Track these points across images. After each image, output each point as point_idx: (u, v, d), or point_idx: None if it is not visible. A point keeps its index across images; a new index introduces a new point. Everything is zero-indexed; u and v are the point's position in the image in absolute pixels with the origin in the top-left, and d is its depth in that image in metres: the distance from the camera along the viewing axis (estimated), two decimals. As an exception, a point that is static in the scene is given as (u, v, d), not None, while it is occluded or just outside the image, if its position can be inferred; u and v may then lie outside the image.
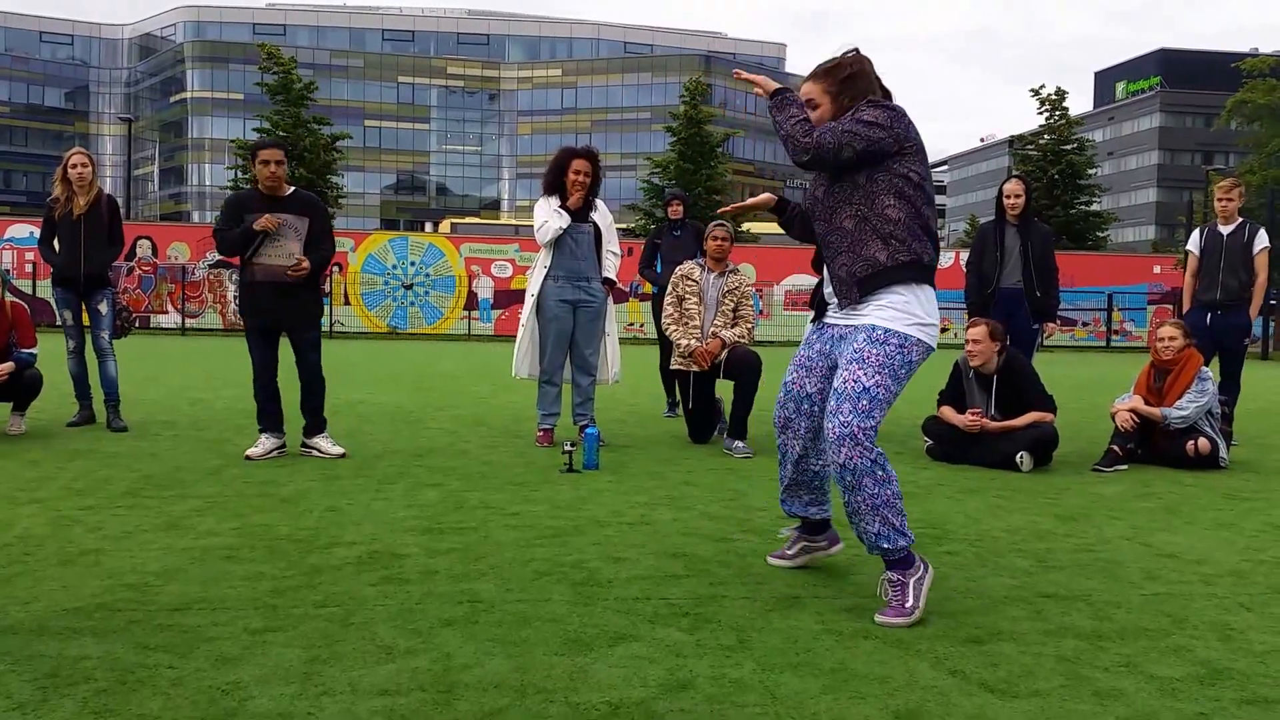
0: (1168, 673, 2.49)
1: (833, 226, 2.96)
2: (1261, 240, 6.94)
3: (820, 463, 3.21)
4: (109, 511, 4.06)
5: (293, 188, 5.62)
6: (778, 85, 2.98)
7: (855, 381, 2.80)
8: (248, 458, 5.40)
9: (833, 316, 3.06)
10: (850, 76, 2.93)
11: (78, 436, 6.20)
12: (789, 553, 3.39)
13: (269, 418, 5.57)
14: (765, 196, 3.37)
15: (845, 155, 2.82)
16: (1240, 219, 7.06)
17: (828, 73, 2.96)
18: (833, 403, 2.83)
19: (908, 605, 2.81)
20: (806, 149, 2.84)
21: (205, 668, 2.38)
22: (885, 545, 2.85)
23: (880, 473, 2.81)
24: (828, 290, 3.08)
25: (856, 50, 2.97)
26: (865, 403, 2.79)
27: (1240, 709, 2.28)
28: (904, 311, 2.87)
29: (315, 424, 5.67)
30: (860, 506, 2.83)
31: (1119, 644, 2.70)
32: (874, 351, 2.83)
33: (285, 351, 5.66)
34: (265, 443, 5.53)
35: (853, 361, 2.84)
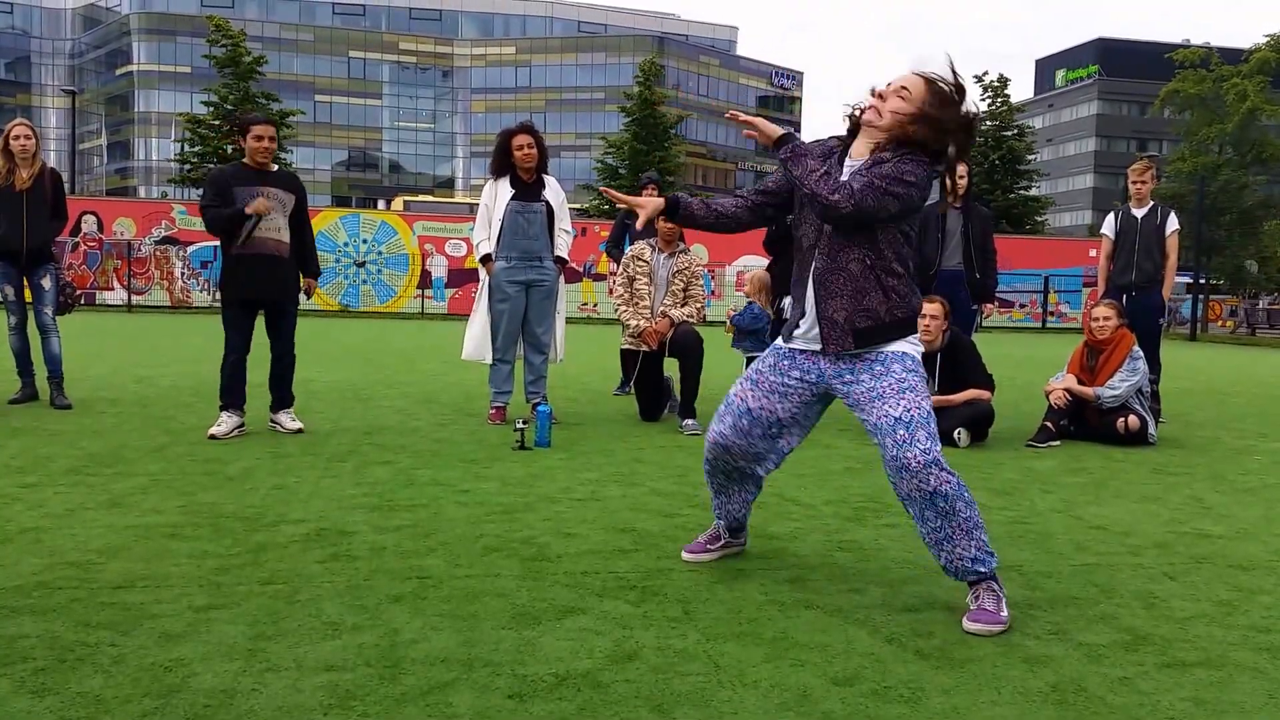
0: (1094, 639, 2.59)
1: (836, 265, 2.83)
2: (1172, 223, 7.07)
3: (766, 469, 3.11)
4: (51, 489, 4.00)
5: (276, 165, 5.64)
6: (780, 131, 2.87)
7: (918, 409, 2.73)
8: (212, 436, 5.33)
9: (809, 346, 2.93)
10: (947, 103, 2.77)
11: (19, 414, 6.08)
12: (710, 548, 3.29)
13: (235, 395, 5.50)
14: (658, 202, 3.12)
15: (881, 217, 2.73)
16: (1153, 201, 7.16)
17: (939, 90, 2.77)
18: (902, 432, 2.71)
19: (1002, 614, 2.70)
20: (841, 209, 2.70)
21: (148, 645, 2.37)
22: (981, 569, 2.74)
23: (968, 494, 2.74)
24: (802, 321, 2.94)
25: (961, 85, 2.80)
26: (933, 427, 2.75)
27: (1160, 672, 2.38)
28: (912, 344, 2.86)
29: (283, 399, 5.66)
30: (953, 532, 2.73)
31: (1049, 612, 2.80)
32: (916, 380, 2.80)
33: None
34: (229, 420, 5.46)
35: (905, 390, 2.76)
